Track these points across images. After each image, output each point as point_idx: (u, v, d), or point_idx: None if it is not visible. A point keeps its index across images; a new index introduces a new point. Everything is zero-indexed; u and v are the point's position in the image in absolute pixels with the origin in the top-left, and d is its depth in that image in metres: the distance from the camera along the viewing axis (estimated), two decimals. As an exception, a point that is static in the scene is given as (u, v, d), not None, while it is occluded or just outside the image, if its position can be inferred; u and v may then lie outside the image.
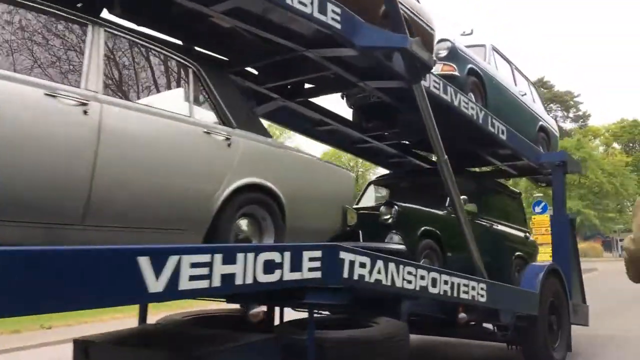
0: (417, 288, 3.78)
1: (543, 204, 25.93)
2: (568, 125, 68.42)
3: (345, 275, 3.24)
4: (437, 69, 5.59)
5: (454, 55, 6.13)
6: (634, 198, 53.56)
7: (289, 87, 5.05)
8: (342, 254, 3.23)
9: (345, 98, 6.16)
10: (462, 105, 5.43)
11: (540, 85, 68.57)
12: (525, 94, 7.90)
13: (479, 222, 6.15)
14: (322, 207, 4.15)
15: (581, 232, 44.59)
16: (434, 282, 3.95)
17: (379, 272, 3.43)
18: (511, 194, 7.96)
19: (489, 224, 6.50)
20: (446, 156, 4.75)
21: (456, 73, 5.95)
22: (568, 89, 67.99)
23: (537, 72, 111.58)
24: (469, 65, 6.24)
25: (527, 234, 7.87)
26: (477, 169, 8.14)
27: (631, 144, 63.73)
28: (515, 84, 7.74)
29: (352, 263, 3.28)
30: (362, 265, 3.35)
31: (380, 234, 4.95)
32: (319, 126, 5.91)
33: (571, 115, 68.60)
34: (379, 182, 7.46)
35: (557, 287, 6.37)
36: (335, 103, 6.11)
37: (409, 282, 3.69)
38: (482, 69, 6.55)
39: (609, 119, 77.05)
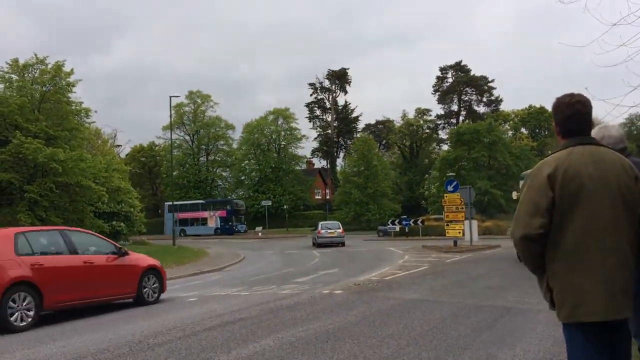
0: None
1: (455, 182, 27.22)
2: (481, 109, 71.71)
3: None
4: None
5: None
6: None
7: None
8: None
9: None
10: None
11: (458, 69, 71.17)
12: None
13: None
14: None
15: (488, 211, 47.22)
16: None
17: None
18: None
19: None
20: None
21: None
22: (483, 73, 70.76)
23: (456, 56, 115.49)
24: None
25: None
26: None
27: (537, 130, 67.88)
28: None
29: None
30: None
31: None
32: None
33: (484, 99, 71.75)
34: None
35: None
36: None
37: None
38: None
39: (519, 104, 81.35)
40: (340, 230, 33.69)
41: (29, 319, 8.88)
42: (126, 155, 66.87)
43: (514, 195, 19.33)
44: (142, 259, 11.67)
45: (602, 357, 2.73)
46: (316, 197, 71.44)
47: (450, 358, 5.70)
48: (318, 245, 32.97)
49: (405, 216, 44.28)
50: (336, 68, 74.40)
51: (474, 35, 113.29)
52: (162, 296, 11.86)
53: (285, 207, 60.23)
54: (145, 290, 11.25)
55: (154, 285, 11.48)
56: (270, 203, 58.47)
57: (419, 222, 40.51)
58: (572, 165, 2.74)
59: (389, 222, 43.16)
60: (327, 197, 70.96)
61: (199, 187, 66.39)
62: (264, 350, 6.32)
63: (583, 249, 2.68)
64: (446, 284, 12.58)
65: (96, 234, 12.75)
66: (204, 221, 57.31)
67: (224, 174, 71.56)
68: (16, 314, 8.72)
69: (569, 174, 2.72)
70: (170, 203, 57.97)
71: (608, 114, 10.97)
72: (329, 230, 33.33)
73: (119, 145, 61.24)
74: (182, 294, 12.63)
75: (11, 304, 8.65)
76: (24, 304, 8.85)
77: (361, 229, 52.81)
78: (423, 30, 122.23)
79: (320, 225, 34.54)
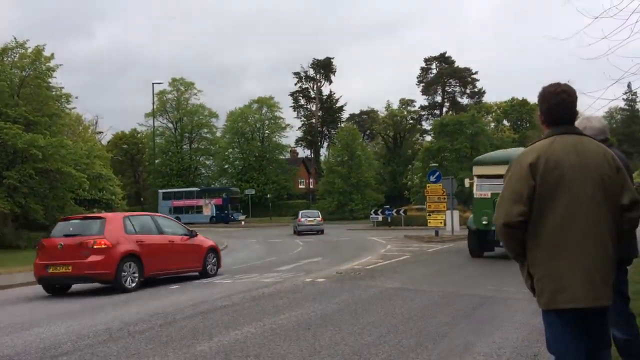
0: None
1: (437, 173, 27.40)
2: (465, 100, 72.08)
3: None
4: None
5: None
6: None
7: None
8: None
9: None
10: None
11: (442, 60, 71.36)
12: None
13: None
14: None
15: (470, 202, 47.55)
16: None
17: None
18: None
19: None
20: None
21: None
22: (467, 65, 71.01)
23: (441, 48, 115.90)
24: None
25: None
26: None
27: (519, 122, 68.43)
28: None
29: None
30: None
31: None
32: None
33: (468, 91, 72.10)
34: None
35: None
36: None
37: None
38: None
39: (502, 96, 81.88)
40: (320, 219, 35.85)
41: (134, 283, 11.21)
42: (108, 142, 66.04)
43: (467, 182, 18.24)
44: (205, 240, 13.91)
45: (581, 343, 2.76)
46: (300, 186, 71.37)
47: (430, 345, 5.77)
48: (298, 232, 34.52)
49: (388, 206, 44.45)
50: (321, 57, 74.17)
51: (459, 26, 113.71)
52: (143, 284, 11.85)
53: (268, 196, 60.02)
54: (208, 265, 13.45)
55: (214, 262, 13.76)
56: (253, 192, 58.21)
57: (401, 212, 40.72)
58: (554, 154, 2.76)
59: (372, 212, 43.34)
60: (311, 186, 70.95)
61: (182, 175, 65.82)
62: (246, 337, 6.33)
63: (563, 237, 2.71)
64: (427, 273, 12.71)
65: (172, 218, 15.23)
66: (199, 209, 55.83)
67: (207, 162, 71.02)
68: (126, 278, 11.06)
69: (551, 163, 2.74)
70: (165, 190, 57.37)
71: (589, 107, 11.04)
72: (308, 219, 35.38)
73: (100, 132, 60.62)
74: (163, 282, 12.57)
75: (124, 270, 10.99)
76: (132, 271, 11.20)
77: (344, 219, 52.95)
78: (408, 21, 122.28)
79: (300, 214, 36.62)
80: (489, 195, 14.79)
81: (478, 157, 18.35)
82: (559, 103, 2.89)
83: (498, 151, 20.19)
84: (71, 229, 11.56)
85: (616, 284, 2.98)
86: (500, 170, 15.18)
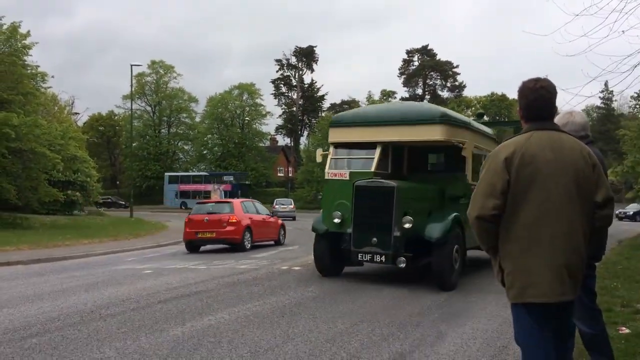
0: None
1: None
2: (445, 94, 72.53)
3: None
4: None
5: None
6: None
7: None
8: None
9: None
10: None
11: (424, 53, 71.59)
12: None
13: None
14: None
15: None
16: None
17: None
18: None
19: None
20: None
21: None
22: (449, 59, 71.37)
23: (423, 40, 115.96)
24: None
25: None
26: None
27: (497, 117, 69.16)
28: None
29: None
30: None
31: None
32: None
33: (449, 84, 72.54)
34: None
35: None
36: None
37: None
38: None
39: (482, 91, 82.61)
40: (292, 206, 40.47)
41: (250, 245, 16.43)
42: (84, 123, 65.02)
43: (318, 155, 11.46)
44: (278, 220, 19.07)
45: (547, 336, 2.81)
46: (279, 174, 71.20)
47: (402, 335, 5.83)
48: None
49: (366, 197, 44.57)
50: (304, 45, 73.78)
51: (442, 20, 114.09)
52: (112, 267, 11.80)
53: (247, 183, 59.73)
54: (280, 237, 18.61)
55: (283, 234, 18.93)
56: (232, 178, 57.88)
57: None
58: (530, 149, 2.76)
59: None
60: (290, 175, 70.87)
61: (159, 160, 65.15)
62: (219, 323, 6.32)
63: (535, 232, 2.72)
64: (402, 264, 12.77)
65: (259, 203, 19.84)
66: (207, 194, 53.51)
67: (185, 147, 70.41)
68: (246, 242, 16.26)
69: (526, 158, 2.74)
70: (172, 174, 56.99)
71: (567, 103, 11.19)
72: (282, 206, 39.87)
73: (76, 113, 59.51)
74: (137, 266, 12.46)
75: (245, 237, 16.18)
76: (248, 237, 16.42)
77: (322, 208, 52.91)
78: (392, 13, 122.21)
79: (275, 202, 41.32)
80: (347, 176, 9.74)
81: (336, 115, 12.50)
82: (537, 99, 2.89)
83: (365, 107, 14.89)
84: (211, 209, 16.75)
85: (584, 280, 3.03)
86: (367, 135, 9.78)
